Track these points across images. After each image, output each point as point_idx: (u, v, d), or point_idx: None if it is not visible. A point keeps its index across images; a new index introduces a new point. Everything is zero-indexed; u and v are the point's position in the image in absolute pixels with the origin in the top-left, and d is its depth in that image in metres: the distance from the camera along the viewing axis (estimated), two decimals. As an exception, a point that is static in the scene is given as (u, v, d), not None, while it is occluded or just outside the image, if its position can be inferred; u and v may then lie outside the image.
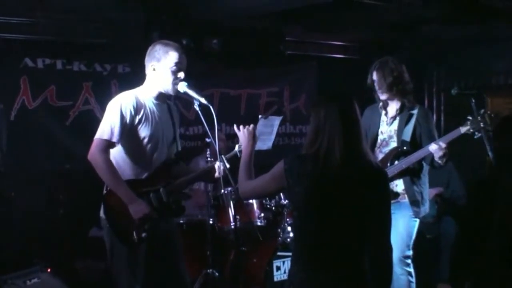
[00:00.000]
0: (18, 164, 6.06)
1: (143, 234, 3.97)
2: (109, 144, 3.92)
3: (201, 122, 4.21)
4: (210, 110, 4.01)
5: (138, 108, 3.99)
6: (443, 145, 4.49)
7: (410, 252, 4.81)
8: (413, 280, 4.80)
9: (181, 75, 4.08)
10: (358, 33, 7.66)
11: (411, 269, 4.80)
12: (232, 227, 5.45)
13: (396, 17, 6.81)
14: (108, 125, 3.91)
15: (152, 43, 4.22)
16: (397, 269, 4.77)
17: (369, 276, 3.04)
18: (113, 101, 4.01)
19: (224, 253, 5.66)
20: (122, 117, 3.92)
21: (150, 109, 4.07)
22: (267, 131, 4.03)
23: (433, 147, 4.52)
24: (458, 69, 7.99)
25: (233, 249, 5.61)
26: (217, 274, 5.37)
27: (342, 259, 2.98)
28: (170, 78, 4.05)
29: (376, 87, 4.88)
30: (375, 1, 6.03)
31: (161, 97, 4.16)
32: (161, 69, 4.05)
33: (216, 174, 4.23)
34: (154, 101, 4.12)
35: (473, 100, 4.77)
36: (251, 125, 3.60)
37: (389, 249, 3.11)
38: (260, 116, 3.91)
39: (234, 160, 3.79)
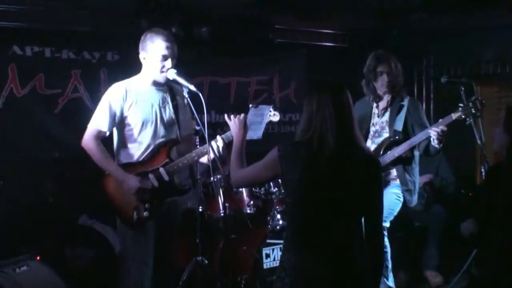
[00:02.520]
0: (6, 152, 6.03)
1: (145, 213, 4.11)
2: (99, 132, 4.17)
3: (190, 110, 4.24)
4: (200, 97, 4.03)
5: (128, 96, 4.17)
6: (444, 128, 4.51)
7: (387, 224, 4.86)
8: (388, 250, 4.85)
9: (168, 63, 4.16)
10: (347, 22, 7.66)
11: (386, 241, 4.84)
12: (222, 214, 5.46)
13: (386, 6, 6.82)
14: (99, 115, 4.17)
15: (141, 31, 4.26)
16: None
17: (361, 261, 3.07)
18: (107, 91, 4.22)
19: (213, 240, 5.67)
20: (111, 108, 4.15)
21: (142, 95, 4.20)
22: (257, 120, 4.04)
23: (433, 130, 4.54)
24: (447, 58, 8.01)
25: (223, 236, 5.62)
26: (206, 261, 5.37)
27: (335, 244, 3.00)
28: (158, 66, 4.16)
29: (384, 80, 4.90)
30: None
31: (157, 83, 4.26)
32: (150, 58, 4.17)
33: (211, 155, 4.25)
34: (150, 87, 4.25)
35: (462, 89, 4.80)
36: (242, 114, 3.61)
37: (381, 234, 3.18)
38: (250, 105, 3.91)
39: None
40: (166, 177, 4.19)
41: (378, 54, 4.96)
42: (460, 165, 7.22)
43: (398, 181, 4.89)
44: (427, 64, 8.43)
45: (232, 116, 3.61)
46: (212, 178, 5.53)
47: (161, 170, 4.19)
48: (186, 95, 4.17)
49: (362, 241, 3.09)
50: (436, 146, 4.59)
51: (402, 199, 4.91)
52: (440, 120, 4.63)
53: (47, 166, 6.27)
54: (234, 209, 5.63)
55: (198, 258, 5.32)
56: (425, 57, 8.40)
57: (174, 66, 4.19)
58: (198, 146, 4.96)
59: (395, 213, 4.92)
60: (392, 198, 4.86)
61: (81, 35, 6.37)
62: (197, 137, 5.49)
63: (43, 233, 5.78)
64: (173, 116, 4.31)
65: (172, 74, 4.14)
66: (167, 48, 4.14)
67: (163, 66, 4.16)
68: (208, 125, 4.05)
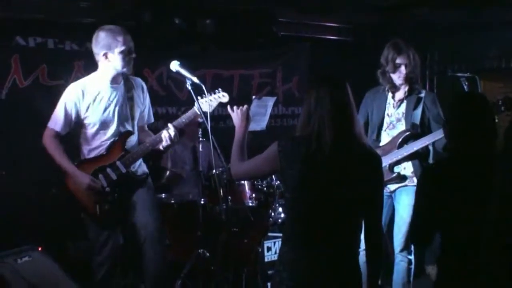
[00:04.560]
0: (9, 143, 6.03)
1: (106, 206, 4.31)
2: (55, 133, 4.37)
3: (193, 102, 4.24)
4: (202, 89, 4.04)
5: (84, 97, 4.33)
6: None
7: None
8: (412, 267, 4.81)
9: (133, 54, 4.34)
10: (351, 15, 7.64)
11: (412, 257, 4.81)
12: (224, 207, 5.46)
13: (390, 0, 6.80)
14: (55, 117, 4.39)
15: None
16: (398, 255, 4.79)
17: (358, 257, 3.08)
18: (64, 92, 4.39)
19: (215, 233, 5.67)
20: (67, 111, 4.32)
21: (98, 95, 4.35)
22: (261, 111, 4.03)
23: None
24: (451, 53, 7.98)
25: (224, 229, 5.62)
26: (208, 254, 5.39)
27: (333, 240, 2.99)
28: (125, 60, 4.30)
29: (401, 73, 4.77)
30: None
31: (115, 79, 4.41)
32: (114, 55, 4.29)
33: (163, 143, 4.42)
34: (108, 85, 4.38)
35: (466, 84, 4.76)
36: (245, 106, 3.59)
37: (380, 231, 3.15)
38: (253, 97, 3.92)
39: (227, 140, 3.77)
40: (123, 169, 4.37)
41: (397, 44, 4.79)
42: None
43: (414, 183, 4.72)
44: (431, 59, 8.40)
45: (235, 108, 3.60)
46: (214, 171, 5.52)
47: (118, 163, 4.37)
48: (189, 87, 4.17)
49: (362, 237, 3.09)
50: None
51: None
52: None
53: (50, 157, 6.27)
54: (236, 202, 5.63)
55: (199, 251, 5.33)
56: (429, 52, 8.37)
57: (177, 58, 4.21)
58: (200, 138, 4.99)
59: None
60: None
61: (85, 26, 6.34)
62: (200, 130, 5.50)
63: (45, 225, 5.78)
64: (129, 112, 4.46)
65: (175, 66, 4.15)
66: (128, 40, 4.31)
67: (130, 58, 4.33)
68: (211, 117, 4.06)
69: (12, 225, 5.63)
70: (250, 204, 5.72)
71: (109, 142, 4.39)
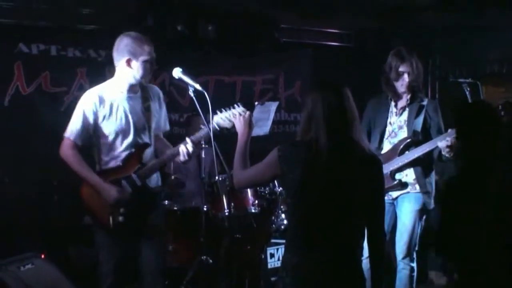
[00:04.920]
0: (11, 149, 6.04)
1: (120, 218, 4.14)
2: (74, 143, 4.18)
3: (195, 109, 4.22)
4: (205, 96, 4.01)
5: (101, 105, 4.17)
6: (452, 141, 4.41)
7: (416, 248, 4.82)
8: (414, 274, 4.81)
9: (152, 68, 4.22)
10: (353, 21, 7.64)
11: (414, 264, 4.80)
12: (226, 214, 5.46)
13: (391, 5, 6.80)
14: (73, 126, 4.18)
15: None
16: (400, 262, 4.79)
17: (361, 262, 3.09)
18: (80, 100, 4.22)
19: (218, 240, 5.66)
20: (84, 119, 4.15)
21: (115, 104, 4.21)
22: (264, 116, 4.02)
23: (442, 144, 4.47)
24: (453, 58, 7.98)
25: (227, 236, 5.62)
26: (211, 261, 5.38)
27: (335, 244, 2.99)
28: (146, 70, 4.18)
29: (404, 81, 4.76)
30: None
31: (133, 88, 4.27)
32: (138, 63, 4.16)
33: (181, 158, 4.25)
34: (125, 94, 4.24)
35: (468, 89, 4.76)
36: (247, 112, 3.58)
37: (382, 235, 3.14)
38: (256, 103, 3.89)
39: (230, 146, 3.76)
40: (138, 182, 4.22)
41: (400, 52, 4.78)
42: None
43: (417, 189, 4.75)
44: (433, 64, 8.40)
45: (237, 115, 3.59)
46: (217, 178, 5.52)
47: (133, 176, 4.22)
48: (192, 94, 4.14)
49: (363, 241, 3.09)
50: (447, 155, 4.51)
51: (424, 216, 4.83)
52: (449, 131, 4.52)
53: (53, 164, 6.27)
54: (238, 208, 5.62)
55: (202, 258, 5.33)
56: (430, 57, 8.37)
57: (179, 65, 4.18)
58: (203, 145, 4.95)
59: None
60: (418, 218, 4.78)
61: (87, 33, 6.38)
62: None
63: (47, 232, 5.78)
64: (146, 122, 4.33)
65: (177, 73, 4.12)
66: (150, 52, 4.17)
67: (152, 69, 4.22)
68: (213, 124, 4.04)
69: (15, 231, 5.64)
70: (253, 210, 5.71)
71: (125, 153, 4.23)
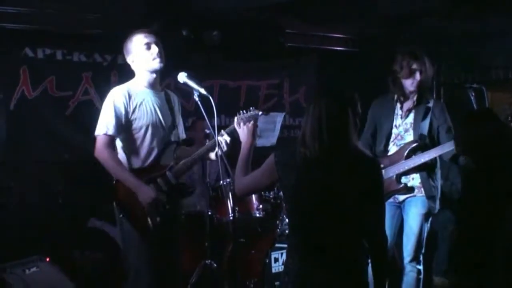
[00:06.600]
0: (17, 153, 6.06)
1: (158, 219, 4.06)
2: (109, 138, 4.08)
3: (200, 113, 4.23)
4: (210, 100, 4.02)
5: (130, 99, 4.14)
6: None
7: (422, 250, 4.82)
8: (421, 277, 4.81)
9: (154, 49, 4.18)
10: (358, 26, 7.64)
11: (421, 267, 4.80)
12: (231, 218, 5.46)
13: (397, 10, 6.80)
14: (104, 120, 4.10)
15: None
16: (407, 265, 4.79)
17: (364, 266, 3.09)
18: (108, 96, 4.16)
19: (222, 244, 5.67)
20: (116, 110, 4.08)
21: (144, 99, 4.19)
22: (270, 127, 4.03)
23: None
24: (458, 63, 7.97)
25: (232, 240, 5.61)
26: (215, 265, 5.39)
27: (336, 250, 3.00)
28: (147, 57, 4.17)
29: (416, 79, 4.75)
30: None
31: (155, 85, 4.28)
32: (137, 56, 4.20)
33: (212, 156, 4.29)
34: (149, 90, 4.24)
35: (473, 94, 4.75)
36: (251, 122, 3.58)
37: (384, 238, 3.13)
38: (260, 113, 3.88)
39: (235, 150, 3.76)
40: (173, 181, 4.19)
41: (414, 51, 4.79)
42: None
43: (422, 193, 4.75)
44: (438, 69, 8.38)
45: (241, 123, 3.60)
46: (221, 182, 5.53)
47: (168, 174, 4.18)
48: (197, 99, 4.15)
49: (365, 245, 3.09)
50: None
51: (429, 220, 4.83)
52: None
53: (57, 168, 6.30)
54: (243, 212, 5.62)
55: (206, 262, 5.33)
56: (435, 63, 8.35)
57: (184, 69, 4.19)
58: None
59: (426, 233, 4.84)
60: (424, 221, 4.79)
61: (93, 38, 6.40)
62: (207, 140, 5.49)
63: (52, 235, 5.79)
64: (173, 121, 4.32)
65: (182, 77, 4.12)
66: (146, 36, 4.18)
67: (151, 53, 4.17)
68: (218, 128, 4.05)
69: (19, 234, 5.65)
70: (257, 215, 5.72)
71: (157, 150, 4.19)
